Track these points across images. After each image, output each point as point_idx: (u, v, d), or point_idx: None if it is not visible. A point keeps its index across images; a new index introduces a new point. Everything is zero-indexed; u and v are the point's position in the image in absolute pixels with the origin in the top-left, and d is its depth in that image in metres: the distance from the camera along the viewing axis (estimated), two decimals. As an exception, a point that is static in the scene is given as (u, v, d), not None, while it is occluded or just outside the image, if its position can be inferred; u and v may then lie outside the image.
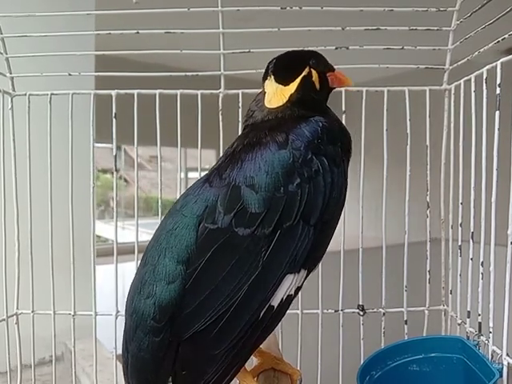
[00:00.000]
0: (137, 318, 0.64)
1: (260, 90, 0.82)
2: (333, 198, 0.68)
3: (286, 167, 0.66)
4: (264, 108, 0.78)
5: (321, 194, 0.67)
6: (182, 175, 5.62)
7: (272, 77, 0.79)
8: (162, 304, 0.63)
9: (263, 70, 1.04)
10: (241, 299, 0.61)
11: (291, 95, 0.77)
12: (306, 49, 0.85)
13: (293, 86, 0.78)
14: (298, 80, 0.78)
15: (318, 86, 0.80)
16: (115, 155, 1.08)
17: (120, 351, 0.70)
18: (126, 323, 0.68)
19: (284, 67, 0.80)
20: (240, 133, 1.03)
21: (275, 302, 0.64)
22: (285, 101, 0.77)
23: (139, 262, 0.72)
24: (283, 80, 0.78)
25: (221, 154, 1.02)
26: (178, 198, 0.75)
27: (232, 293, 0.61)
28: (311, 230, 0.66)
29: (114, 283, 1.10)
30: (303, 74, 0.79)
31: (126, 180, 7.41)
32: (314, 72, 0.80)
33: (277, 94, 0.78)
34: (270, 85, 0.79)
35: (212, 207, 0.66)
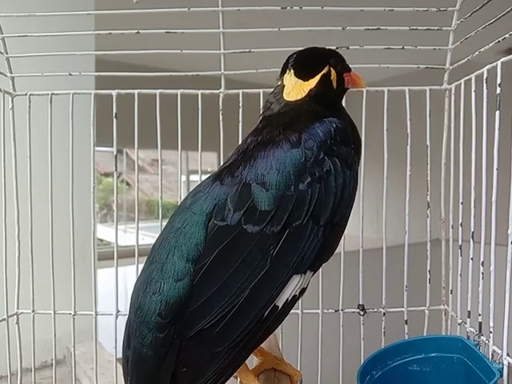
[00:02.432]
0: (141, 314, 0.64)
1: (278, 83, 0.83)
2: (344, 199, 0.68)
3: (298, 166, 0.67)
4: (282, 100, 0.79)
5: (331, 195, 0.67)
6: (184, 178, 5.63)
7: (292, 71, 0.80)
8: (170, 301, 0.62)
9: (264, 71, 1.05)
10: (247, 297, 0.61)
11: (310, 90, 0.78)
12: (327, 47, 0.86)
13: (312, 82, 0.79)
14: (318, 77, 0.79)
15: (335, 84, 0.81)
16: (116, 155, 1.08)
17: (121, 353, 0.69)
18: (129, 319, 0.68)
19: (305, 63, 0.81)
20: (241, 132, 1.04)
21: (280, 302, 0.64)
22: (303, 95, 0.78)
23: (142, 263, 0.72)
24: (303, 75, 0.79)
25: (221, 157, 1.03)
26: (182, 198, 0.75)
27: (239, 290, 0.61)
28: (320, 231, 0.66)
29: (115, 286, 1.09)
30: (323, 71, 0.80)
31: (127, 183, 7.41)
32: (332, 71, 0.81)
33: (296, 88, 0.79)
34: (289, 78, 0.80)
35: (222, 205, 0.66)
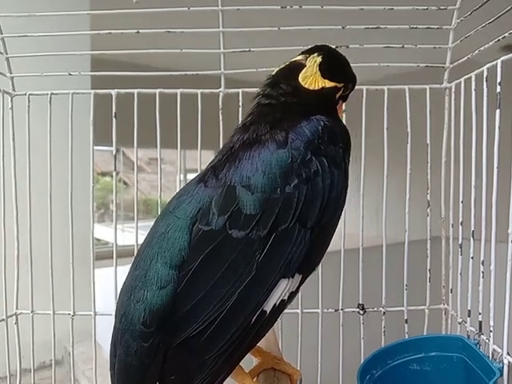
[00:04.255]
0: (126, 322, 0.63)
1: (299, 58, 0.80)
2: (332, 199, 0.67)
3: (284, 167, 0.65)
4: (293, 82, 0.76)
5: (319, 196, 0.65)
6: (182, 177, 5.62)
7: (319, 59, 0.77)
8: (153, 309, 0.61)
9: (264, 70, 1.05)
10: (233, 303, 0.60)
11: (323, 88, 0.77)
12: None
13: (328, 84, 0.77)
14: (333, 84, 0.77)
15: (335, 99, 0.81)
16: (115, 154, 1.08)
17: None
18: (114, 326, 0.66)
19: (333, 63, 0.79)
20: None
21: (268, 307, 0.62)
22: (317, 88, 0.76)
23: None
24: (325, 72, 0.77)
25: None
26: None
27: (225, 297, 0.60)
28: (308, 234, 0.64)
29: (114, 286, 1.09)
30: (339, 85, 0.78)
31: (125, 183, 7.39)
32: (340, 92, 0.80)
33: (314, 77, 0.77)
34: (313, 64, 0.77)
35: (206, 208, 0.64)
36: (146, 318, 0.61)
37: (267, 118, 0.73)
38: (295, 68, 0.78)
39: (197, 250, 0.63)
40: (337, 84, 0.78)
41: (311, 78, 0.76)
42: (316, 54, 0.78)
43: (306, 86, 0.76)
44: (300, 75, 0.77)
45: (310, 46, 0.82)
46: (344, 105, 0.85)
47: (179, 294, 0.61)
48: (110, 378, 0.68)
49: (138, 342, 0.61)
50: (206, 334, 0.59)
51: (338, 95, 0.80)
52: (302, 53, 0.81)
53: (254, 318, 0.61)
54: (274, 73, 0.80)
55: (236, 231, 0.62)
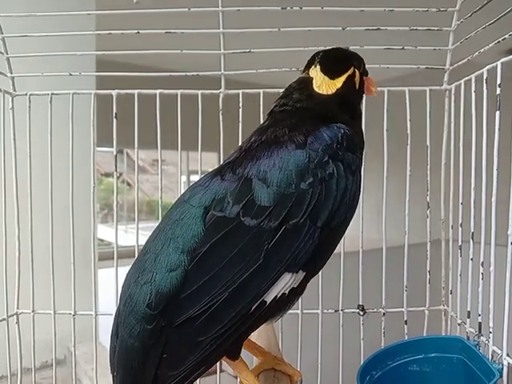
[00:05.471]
0: (131, 303, 0.64)
1: (302, 75, 0.83)
2: (344, 203, 0.68)
3: (301, 166, 0.67)
4: (306, 91, 0.79)
5: (332, 197, 0.67)
6: (184, 178, 5.64)
7: (318, 66, 0.80)
8: (161, 291, 0.62)
9: (264, 71, 1.05)
10: (236, 289, 0.61)
11: (338, 89, 0.79)
12: (350, 49, 0.87)
13: (339, 82, 0.79)
14: (345, 77, 0.80)
15: (357, 86, 0.82)
16: (115, 155, 1.08)
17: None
18: (118, 309, 0.67)
19: (332, 61, 0.81)
20: (241, 132, 1.04)
21: (268, 298, 0.63)
22: (332, 92, 0.79)
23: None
24: (330, 73, 0.79)
25: (221, 157, 1.03)
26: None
27: (230, 281, 0.61)
28: (317, 232, 0.66)
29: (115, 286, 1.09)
30: (349, 72, 0.80)
31: (128, 184, 7.41)
32: (357, 73, 0.82)
33: (325, 83, 0.79)
34: (316, 73, 0.80)
35: (221, 198, 0.66)
36: (152, 300, 0.62)
37: (283, 122, 0.75)
38: (305, 81, 0.80)
39: (209, 235, 0.64)
40: (348, 73, 0.80)
41: (324, 85, 0.79)
42: (313, 66, 0.81)
43: (324, 93, 0.78)
44: (313, 85, 0.79)
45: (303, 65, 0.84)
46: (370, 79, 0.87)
47: (188, 275, 0.62)
48: (109, 363, 0.69)
49: (141, 323, 0.62)
50: (206, 315, 0.60)
51: (356, 79, 0.82)
52: (302, 72, 0.83)
53: (254, 306, 0.62)
54: (284, 90, 0.82)
55: (248, 219, 0.64)
